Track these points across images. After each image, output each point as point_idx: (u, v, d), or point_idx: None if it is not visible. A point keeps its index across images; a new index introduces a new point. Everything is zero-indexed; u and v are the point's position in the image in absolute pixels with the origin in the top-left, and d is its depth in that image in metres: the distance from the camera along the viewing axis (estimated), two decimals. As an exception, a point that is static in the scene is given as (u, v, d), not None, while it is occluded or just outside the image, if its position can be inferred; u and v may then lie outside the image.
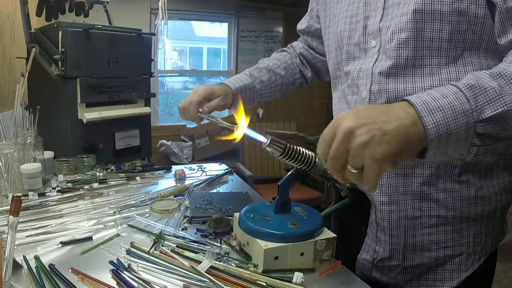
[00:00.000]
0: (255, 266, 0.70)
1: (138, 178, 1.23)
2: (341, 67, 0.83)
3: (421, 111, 0.51)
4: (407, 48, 0.67)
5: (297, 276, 0.65)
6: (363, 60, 0.76)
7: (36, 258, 0.70)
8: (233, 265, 0.70)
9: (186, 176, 1.29)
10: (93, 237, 0.81)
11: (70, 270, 0.67)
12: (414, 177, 0.71)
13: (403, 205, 0.72)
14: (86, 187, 1.11)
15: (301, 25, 1.05)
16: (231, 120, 0.76)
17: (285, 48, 1.11)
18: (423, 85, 0.67)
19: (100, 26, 1.52)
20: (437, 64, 0.66)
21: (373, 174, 0.50)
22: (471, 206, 0.71)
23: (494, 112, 0.51)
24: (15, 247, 0.64)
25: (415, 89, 0.67)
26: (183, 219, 0.92)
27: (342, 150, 0.51)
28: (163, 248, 0.75)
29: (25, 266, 0.67)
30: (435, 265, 0.74)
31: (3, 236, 0.71)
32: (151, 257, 0.72)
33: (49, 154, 1.26)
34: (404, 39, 0.66)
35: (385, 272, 0.77)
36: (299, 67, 1.06)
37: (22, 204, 0.67)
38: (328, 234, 0.73)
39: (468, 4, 0.61)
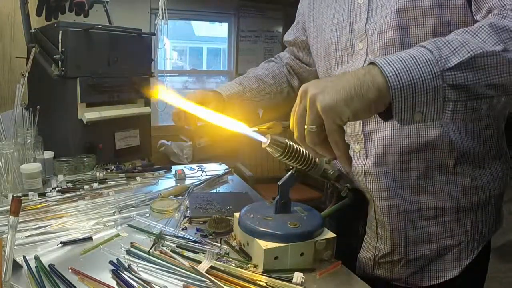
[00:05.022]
0: (255, 266, 0.70)
1: (138, 178, 1.23)
2: (330, 73, 0.85)
3: (380, 64, 0.51)
4: (394, 46, 0.69)
5: (297, 276, 0.65)
6: (351, 63, 0.78)
7: (36, 258, 0.70)
8: (233, 265, 0.70)
9: (186, 176, 1.29)
10: (93, 237, 0.81)
11: (70, 270, 0.67)
12: (411, 171, 0.73)
13: (401, 199, 0.74)
14: (86, 187, 1.11)
15: (288, 36, 1.08)
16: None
17: (272, 59, 1.13)
18: None
19: (100, 26, 1.51)
20: None
21: (332, 126, 0.52)
22: (467, 196, 0.74)
23: (461, 59, 0.50)
24: (15, 247, 0.64)
25: None
26: (183, 219, 0.92)
27: (302, 110, 0.54)
28: (163, 248, 0.75)
29: (25, 266, 0.67)
30: (437, 256, 0.76)
31: (3, 236, 0.71)
32: (151, 257, 0.72)
33: (49, 154, 1.26)
34: (391, 38, 0.69)
35: (387, 268, 0.78)
36: (286, 76, 1.08)
37: (22, 204, 0.67)
38: (328, 234, 0.73)
39: None
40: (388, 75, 0.50)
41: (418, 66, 0.50)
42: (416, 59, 0.51)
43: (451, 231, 0.75)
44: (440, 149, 0.72)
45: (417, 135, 0.72)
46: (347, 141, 0.82)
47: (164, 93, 0.79)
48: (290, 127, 0.58)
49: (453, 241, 0.75)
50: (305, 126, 0.54)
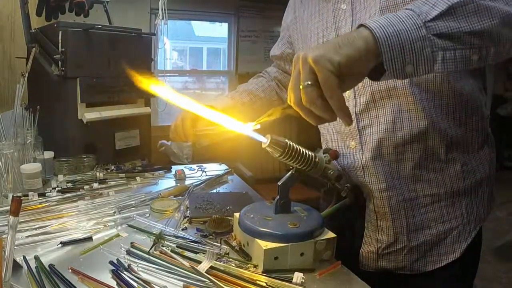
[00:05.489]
0: (255, 266, 0.70)
1: (138, 178, 1.23)
2: None
3: (365, 22, 0.54)
4: None
5: (297, 276, 0.65)
6: None
7: (36, 258, 0.70)
8: (233, 265, 0.70)
9: (186, 176, 1.29)
10: (93, 237, 0.81)
11: (70, 270, 0.67)
12: (406, 161, 0.77)
13: (399, 189, 0.77)
14: (86, 187, 1.11)
15: (275, 51, 1.11)
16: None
17: (260, 74, 1.16)
18: None
19: (100, 26, 1.51)
20: None
21: (325, 73, 0.52)
22: (459, 180, 0.78)
23: (440, 10, 0.54)
24: (15, 247, 0.64)
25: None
26: (183, 219, 0.92)
27: (296, 73, 0.56)
28: (163, 248, 0.75)
29: (25, 266, 0.68)
30: (437, 241, 0.79)
31: (3, 236, 0.71)
32: (151, 257, 0.72)
33: (49, 154, 1.26)
34: None
35: (392, 258, 0.80)
36: (275, 89, 1.11)
37: (22, 204, 0.67)
38: (328, 234, 0.73)
39: None
40: (372, 28, 0.53)
41: (401, 21, 0.53)
42: (398, 16, 0.54)
43: (448, 215, 0.78)
44: (432, 139, 0.75)
45: (409, 127, 0.74)
46: (342, 139, 0.83)
47: (163, 89, 0.79)
48: (288, 100, 0.59)
49: (451, 224, 0.79)
50: (300, 86, 0.55)
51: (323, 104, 0.54)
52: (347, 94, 0.79)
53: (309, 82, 0.53)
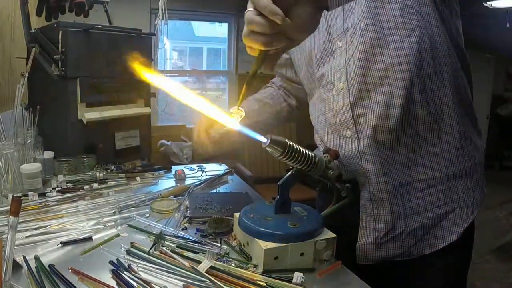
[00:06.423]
0: (255, 266, 0.70)
1: (138, 178, 1.23)
2: (313, 77, 0.90)
3: None
4: (368, 33, 0.76)
5: (297, 276, 0.65)
6: (332, 61, 0.84)
7: (36, 258, 0.70)
8: (233, 265, 0.70)
9: (186, 176, 1.29)
10: (93, 237, 0.81)
11: (70, 270, 0.67)
12: (400, 147, 0.79)
13: (395, 175, 0.80)
14: (86, 187, 1.11)
15: None
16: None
17: (268, 85, 1.18)
18: (391, 60, 0.76)
19: (100, 26, 1.51)
20: (399, 38, 0.76)
21: None
22: (454, 164, 0.80)
23: None
24: (15, 247, 0.64)
25: (385, 65, 0.76)
26: (183, 219, 0.92)
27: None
28: (163, 248, 0.75)
29: (25, 266, 0.67)
30: (434, 224, 0.81)
31: (3, 236, 0.71)
32: (151, 257, 0.72)
33: (49, 154, 1.26)
34: (365, 26, 0.77)
35: (390, 246, 0.81)
36: (283, 97, 1.13)
37: (22, 204, 0.67)
38: (328, 234, 0.73)
39: None
40: None
41: None
42: None
43: (444, 199, 0.80)
44: (423, 123, 0.77)
45: (401, 112, 0.77)
46: (336, 130, 0.85)
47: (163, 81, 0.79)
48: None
49: (447, 208, 0.80)
50: (245, 18, 0.57)
51: (260, 18, 0.57)
52: (341, 86, 0.81)
53: (248, 9, 0.57)
